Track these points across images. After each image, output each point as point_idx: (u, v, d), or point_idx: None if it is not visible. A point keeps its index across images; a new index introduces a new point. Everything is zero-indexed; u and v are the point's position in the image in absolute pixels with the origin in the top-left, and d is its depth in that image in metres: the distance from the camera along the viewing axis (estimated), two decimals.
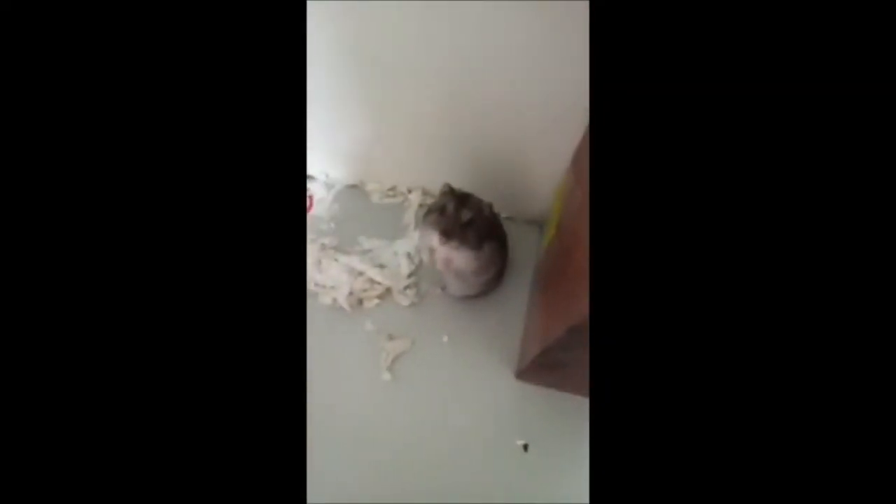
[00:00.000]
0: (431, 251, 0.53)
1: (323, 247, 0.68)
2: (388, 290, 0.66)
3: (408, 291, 0.66)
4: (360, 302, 0.65)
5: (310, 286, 0.65)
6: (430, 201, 0.73)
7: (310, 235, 0.70)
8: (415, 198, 0.74)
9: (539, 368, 0.53)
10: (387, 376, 0.60)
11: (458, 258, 0.53)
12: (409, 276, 0.67)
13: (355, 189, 0.77)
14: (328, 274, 0.65)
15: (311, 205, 0.74)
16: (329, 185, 0.76)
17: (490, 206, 0.54)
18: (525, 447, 0.57)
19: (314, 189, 0.76)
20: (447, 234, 0.51)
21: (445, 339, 0.63)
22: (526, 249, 0.71)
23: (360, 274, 0.66)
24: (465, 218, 0.51)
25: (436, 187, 0.72)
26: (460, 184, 0.58)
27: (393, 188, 0.76)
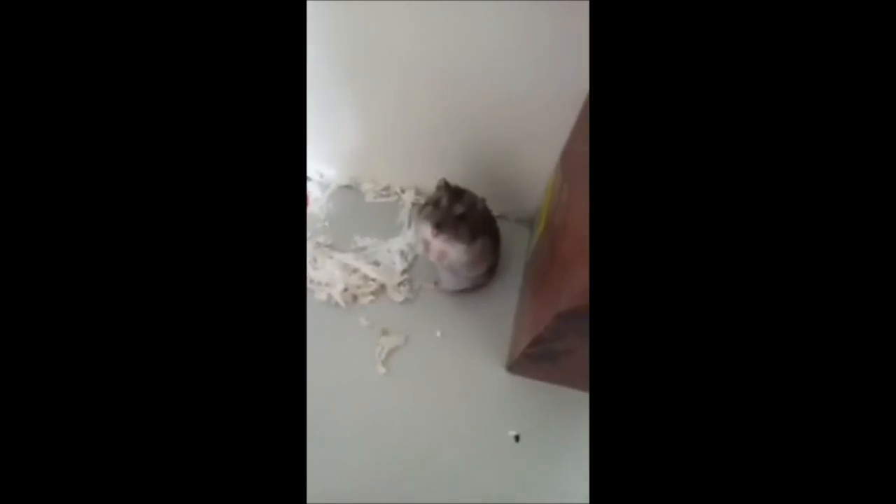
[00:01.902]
0: (426, 244, 0.55)
1: (318, 245, 0.70)
2: (383, 287, 0.67)
3: (401, 288, 0.67)
4: (355, 298, 0.66)
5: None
6: (423, 200, 0.74)
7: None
8: (408, 197, 0.76)
9: (529, 360, 0.55)
10: (381, 370, 0.61)
11: (451, 251, 0.55)
12: (403, 272, 0.69)
13: (350, 189, 0.78)
14: (323, 271, 0.67)
15: (307, 204, 0.75)
16: (324, 185, 0.78)
17: (483, 201, 0.56)
18: (516, 438, 0.58)
19: (309, 188, 0.77)
20: (440, 227, 0.53)
21: (438, 333, 0.65)
22: (517, 247, 0.73)
23: (355, 271, 0.67)
24: (458, 212, 0.53)
25: (429, 187, 0.74)
26: (453, 182, 0.60)
27: (387, 188, 0.78)
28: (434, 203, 0.54)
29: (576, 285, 0.36)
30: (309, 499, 0.42)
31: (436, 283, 0.68)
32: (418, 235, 0.56)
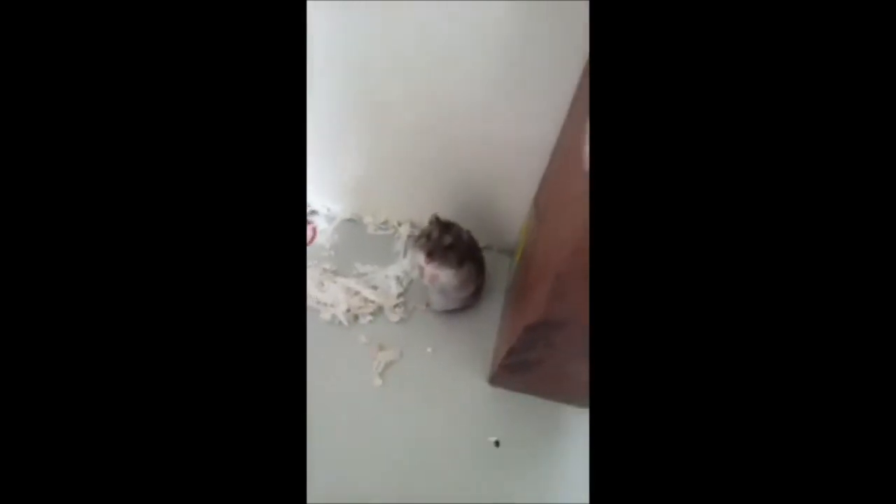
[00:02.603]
0: (421, 269, 0.65)
1: (324, 271, 0.79)
2: (380, 308, 0.76)
3: (397, 309, 0.76)
4: (356, 318, 0.75)
5: (312, 304, 0.75)
6: (417, 233, 0.84)
7: (312, 261, 0.81)
8: (404, 230, 0.86)
9: (507, 371, 0.63)
10: (378, 382, 0.69)
11: (441, 275, 0.65)
12: (399, 296, 0.78)
13: (353, 222, 0.88)
14: (328, 293, 0.76)
15: (314, 235, 0.85)
16: (330, 219, 0.88)
17: (469, 232, 0.67)
18: (497, 443, 0.66)
19: (317, 221, 0.87)
20: (431, 255, 0.63)
21: (429, 350, 0.73)
22: (499, 274, 0.82)
23: (356, 293, 0.76)
24: (447, 242, 0.63)
25: (423, 221, 0.84)
26: (443, 217, 0.70)
27: (385, 221, 0.88)
28: (426, 235, 0.65)
29: (538, 301, 0.46)
30: (310, 493, 0.49)
31: (427, 304, 0.77)
32: (414, 262, 0.66)
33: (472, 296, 0.74)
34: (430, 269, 0.64)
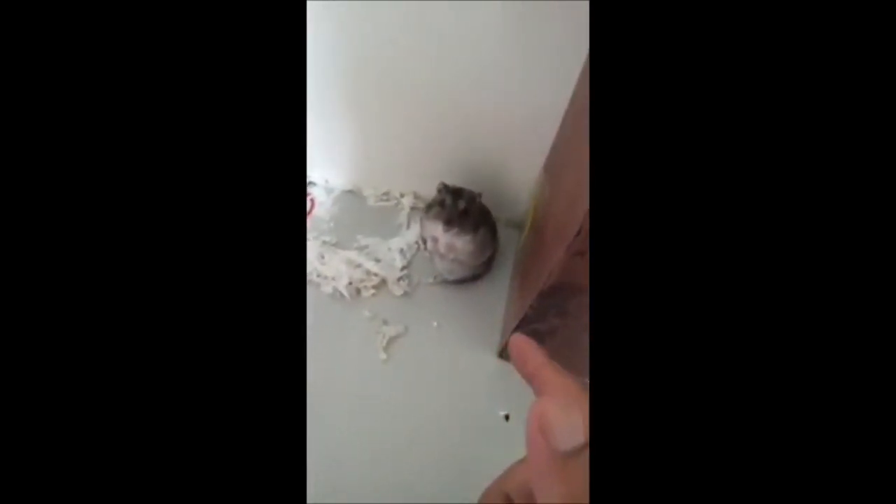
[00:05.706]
0: (435, 240, 0.62)
1: (324, 243, 0.76)
2: (384, 282, 0.73)
3: (401, 282, 0.73)
4: (359, 291, 0.72)
5: (313, 277, 0.72)
6: (420, 204, 0.81)
7: (312, 233, 0.77)
8: (407, 201, 0.83)
9: None
10: (382, 356, 0.66)
11: (458, 243, 0.63)
12: (402, 269, 0.75)
13: (353, 193, 0.85)
14: (330, 266, 0.73)
15: (312, 206, 0.81)
16: (329, 190, 0.84)
17: (480, 195, 0.64)
18: (507, 417, 0.64)
19: (315, 193, 0.83)
20: (449, 223, 0.61)
21: (435, 324, 0.70)
22: (506, 248, 0.79)
23: (358, 266, 0.73)
24: (462, 207, 0.61)
25: (425, 192, 0.81)
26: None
27: (387, 193, 0.84)
28: (440, 203, 0.62)
29: (555, 262, 0.43)
30: (314, 468, 0.47)
31: (434, 277, 0.74)
32: (427, 234, 0.64)
33: (487, 263, 0.71)
34: (448, 237, 0.61)
